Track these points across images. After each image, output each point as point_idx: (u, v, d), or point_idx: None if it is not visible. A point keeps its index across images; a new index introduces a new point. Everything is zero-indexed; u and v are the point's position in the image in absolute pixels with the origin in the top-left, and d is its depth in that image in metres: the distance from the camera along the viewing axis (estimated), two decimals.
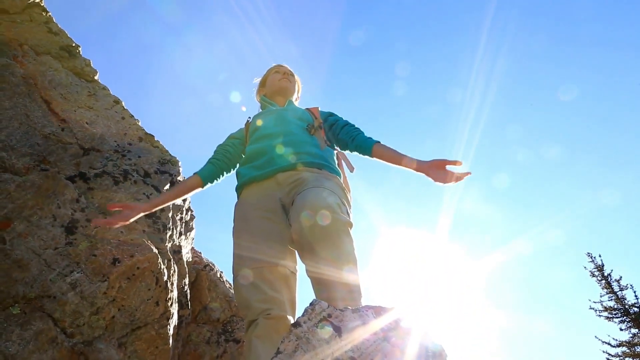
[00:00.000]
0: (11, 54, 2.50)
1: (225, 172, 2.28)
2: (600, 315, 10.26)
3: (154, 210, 2.14)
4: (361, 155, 2.16)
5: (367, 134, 2.20)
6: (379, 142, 2.10)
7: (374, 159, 2.09)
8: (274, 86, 2.49)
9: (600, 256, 10.30)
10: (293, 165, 2.02)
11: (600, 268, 10.17)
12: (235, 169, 2.30)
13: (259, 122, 2.27)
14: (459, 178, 1.86)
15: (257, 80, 2.65)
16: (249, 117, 2.42)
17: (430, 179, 1.89)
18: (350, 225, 1.78)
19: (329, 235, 1.68)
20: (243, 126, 2.41)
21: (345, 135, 2.21)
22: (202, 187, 2.19)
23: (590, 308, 10.50)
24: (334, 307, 1.07)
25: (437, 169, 1.88)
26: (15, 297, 1.83)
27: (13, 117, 2.29)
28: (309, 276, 1.73)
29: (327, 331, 1.00)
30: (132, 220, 1.99)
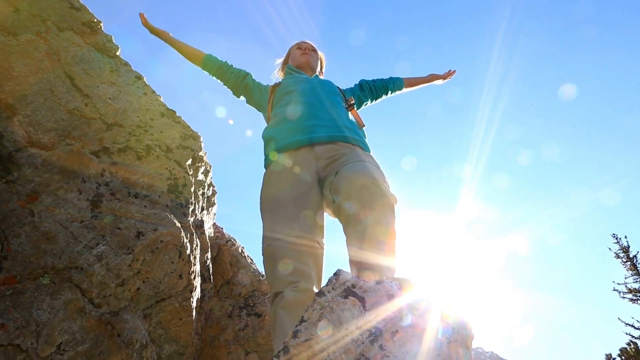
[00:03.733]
0: (35, 30, 2.52)
1: (221, 76, 2.48)
2: (624, 297, 10.08)
3: (155, 33, 2.60)
4: (397, 92, 2.77)
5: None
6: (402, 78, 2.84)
7: (405, 89, 2.80)
8: (297, 60, 2.48)
9: (626, 237, 10.09)
10: (332, 138, 2.00)
11: (626, 249, 9.95)
12: (232, 91, 2.47)
13: (292, 87, 2.25)
14: (451, 75, 2.91)
15: (279, 60, 2.64)
16: (276, 81, 2.44)
17: (439, 82, 2.91)
18: (396, 201, 1.80)
19: (377, 207, 1.70)
20: (268, 85, 2.42)
21: (382, 82, 2.72)
22: (200, 63, 2.52)
23: (614, 290, 10.34)
24: (358, 277, 1.06)
25: (440, 78, 2.91)
26: (44, 267, 1.88)
27: (38, 93, 2.31)
28: (348, 246, 1.74)
29: (351, 301, 0.99)
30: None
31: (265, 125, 2.35)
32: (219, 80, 2.49)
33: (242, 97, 2.46)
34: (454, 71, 2.88)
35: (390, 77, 2.75)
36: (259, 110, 2.39)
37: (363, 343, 0.93)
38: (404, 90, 2.80)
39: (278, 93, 2.28)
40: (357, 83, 2.65)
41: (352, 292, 1.01)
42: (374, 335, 0.95)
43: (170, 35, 2.57)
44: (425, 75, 2.87)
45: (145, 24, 2.61)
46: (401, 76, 2.81)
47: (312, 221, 1.87)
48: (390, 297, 1.05)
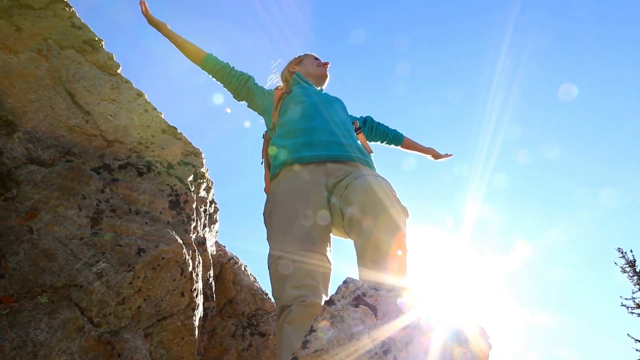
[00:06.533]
0: (36, 48, 2.52)
1: (222, 78, 2.40)
2: (632, 313, 9.90)
3: (154, 24, 2.52)
4: (392, 145, 2.77)
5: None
6: (404, 136, 2.81)
7: (399, 147, 2.78)
8: (313, 70, 2.47)
9: (632, 251, 9.96)
10: (345, 158, 1.99)
11: (632, 264, 9.81)
12: (240, 98, 2.41)
13: (305, 98, 2.22)
14: (445, 157, 2.84)
15: (280, 60, 2.64)
16: (280, 86, 2.44)
17: (432, 158, 2.84)
18: (408, 214, 1.78)
19: (391, 218, 1.70)
20: (271, 88, 2.40)
21: (384, 129, 2.73)
22: (200, 62, 2.41)
23: (622, 305, 10.14)
24: (368, 286, 1.02)
25: (436, 157, 2.84)
26: (42, 286, 1.83)
27: (38, 110, 2.30)
28: (358, 256, 1.71)
29: (362, 310, 0.94)
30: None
31: (266, 128, 2.33)
32: (219, 82, 2.40)
33: (243, 101, 2.41)
34: (451, 155, 2.86)
35: (394, 130, 2.76)
36: (261, 114, 2.36)
37: (377, 354, 0.88)
38: (400, 147, 2.80)
39: (287, 100, 2.25)
40: (362, 117, 2.68)
41: (362, 300, 0.96)
42: (387, 346, 0.90)
43: (169, 28, 2.49)
44: (426, 146, 2.83)
45: (145, 13, 2.52)
46: (404, 134, 2.80)
47: (320, 235, 1.84)
48: (402, 306, 1.00)
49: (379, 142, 2.77)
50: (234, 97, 2.41)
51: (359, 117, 2.68)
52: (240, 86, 2.36)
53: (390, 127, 2.77)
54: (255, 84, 2.40)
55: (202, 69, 2.42)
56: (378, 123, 2.73)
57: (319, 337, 0.87)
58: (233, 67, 2.41)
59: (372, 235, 1.67)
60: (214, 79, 2.42)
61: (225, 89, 2.42)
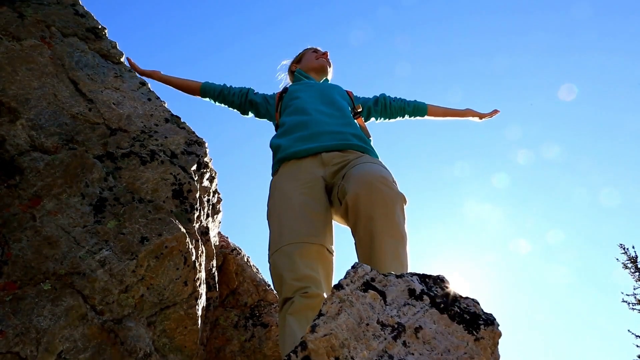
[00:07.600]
0: (39, 36, 2.50)
1: (224, 101, 2.49)
2: (633, 309, 9.89)
3: (146, 75, 2.67)
4: (418, 117, 2.56)
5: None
6: (428, 104, 2.57)
7: (426, 117, 2.54)
8: (312, 63, 2.46)
9: (633, 247, 9.92)
10: (340, 146, 1.98)
11: (634, 260, 9.78)
12: (243, 112, 2.49)
13: (299, 93, 2.22)
14: (492, 115, 2.53)
15: (286, 62, 2.63)
16: (284, 87, 2.42)
17: (476, 119, 2.55)
18: (405, 201, 1.76)
19: (386, 205, 1.67)
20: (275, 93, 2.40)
21: (401, 103, 2.52)
22: (199, 94, 2.53)
23: (623, 301, 10.13)
24: (377, 271, 1.00)
25: (478, 117, 2.55)
26: (45, 273, 1.83)
27: (41, 97, 2.28)
28: (356, 245, 1.70)
29: (371, 295, 0.93)
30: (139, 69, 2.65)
31: (275, 133, 2.33)
32: (223, 105, 2.48)
33: (250, 114, 2.45)
34: (498, 111, 2.53)
35: (414, 101, 2.54)
36: (270, 121, 2.38)
37: (386, 339, 0.87)
38: (427, 117, 2.54)
39: (285, 99, 2.26)
40: (375, 96, 2.52)
41: (371, 285, 0.95)
42: (397, 332, 0.89)
43: (161, 73, 2.60)
44: (462, 108, 2.55)
45: (134, 67, 2.65)
46: (428, 103, 2.56)
47: (320, 226, 1.83)
48: (412, 291, 0.99)
49: (399, 118, 2.54)
50: (241, 114, 2.48)
51: (371, 96, 2.52)
52: (242, 102, 2.42)
53: (408, 99, 2.54)
54: (256, 94, 2.43)
55: (203, 98, 2.54)
56: (393, 98, 2.51)
57: (327, 321, 0.86)
58: (230, 87, 2.48)
59: (373, 229, 1.65)
60: (216, 103, 2.52)
61: (230, 109, 2.50)
